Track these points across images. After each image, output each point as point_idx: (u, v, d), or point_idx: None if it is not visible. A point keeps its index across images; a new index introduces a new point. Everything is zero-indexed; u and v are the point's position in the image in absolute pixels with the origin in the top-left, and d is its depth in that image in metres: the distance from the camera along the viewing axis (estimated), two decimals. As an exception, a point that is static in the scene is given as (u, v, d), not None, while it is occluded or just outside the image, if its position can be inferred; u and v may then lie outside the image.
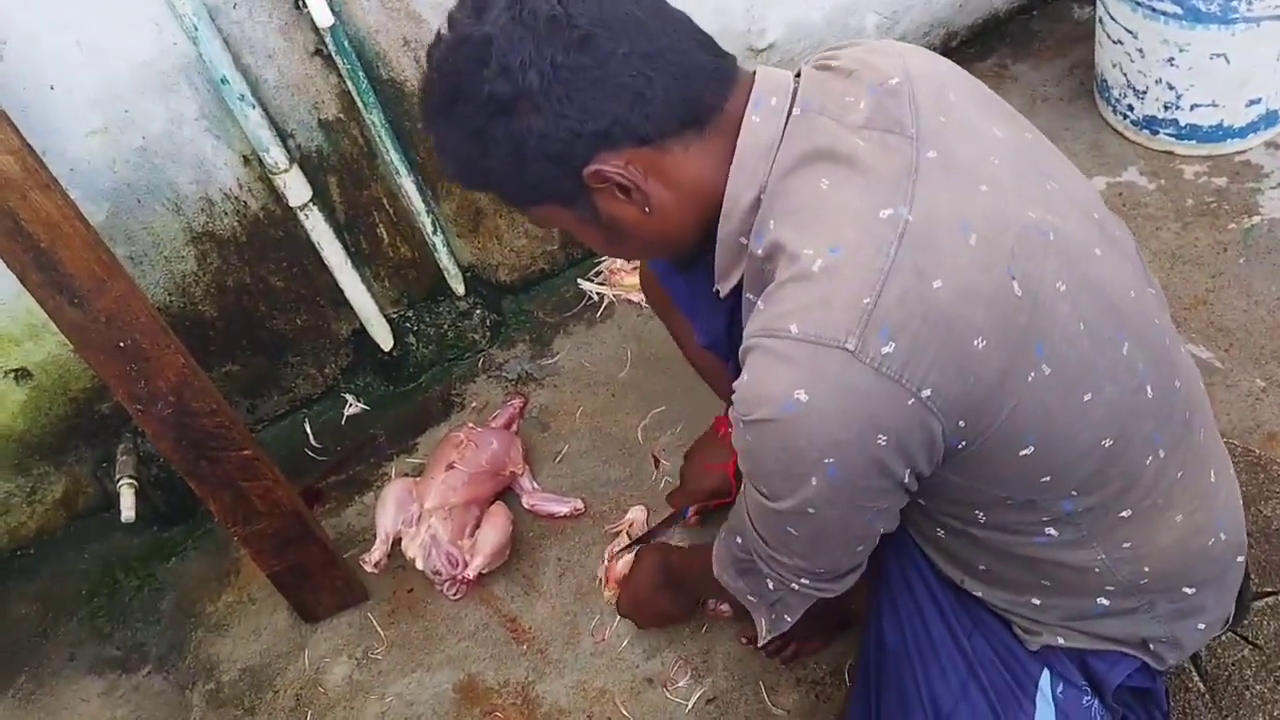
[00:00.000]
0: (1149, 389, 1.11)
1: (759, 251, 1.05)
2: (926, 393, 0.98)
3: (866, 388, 0.97)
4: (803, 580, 1.21)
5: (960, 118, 1.08)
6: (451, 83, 1.03)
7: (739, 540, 1.26)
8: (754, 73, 1.10)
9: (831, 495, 1.04)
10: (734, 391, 1.05)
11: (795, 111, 1.06)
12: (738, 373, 1.53)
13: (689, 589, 1.73)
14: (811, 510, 1.06)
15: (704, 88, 1.05)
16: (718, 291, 1.17)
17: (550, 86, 0.99)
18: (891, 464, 1.02)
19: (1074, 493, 1.12)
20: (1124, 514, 1.16)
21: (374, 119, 2.03)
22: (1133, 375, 1.09)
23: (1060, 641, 1.29)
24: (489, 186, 1.11)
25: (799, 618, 1.32)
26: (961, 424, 1.01)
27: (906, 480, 1.06)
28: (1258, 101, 2.20)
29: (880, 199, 1.00)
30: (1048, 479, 1.10)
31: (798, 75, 1.11)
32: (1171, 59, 2.15)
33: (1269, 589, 1.67)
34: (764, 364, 1.00)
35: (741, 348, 1.05)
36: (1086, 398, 1.06)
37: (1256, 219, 2.18)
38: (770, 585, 1.25)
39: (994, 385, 1.00)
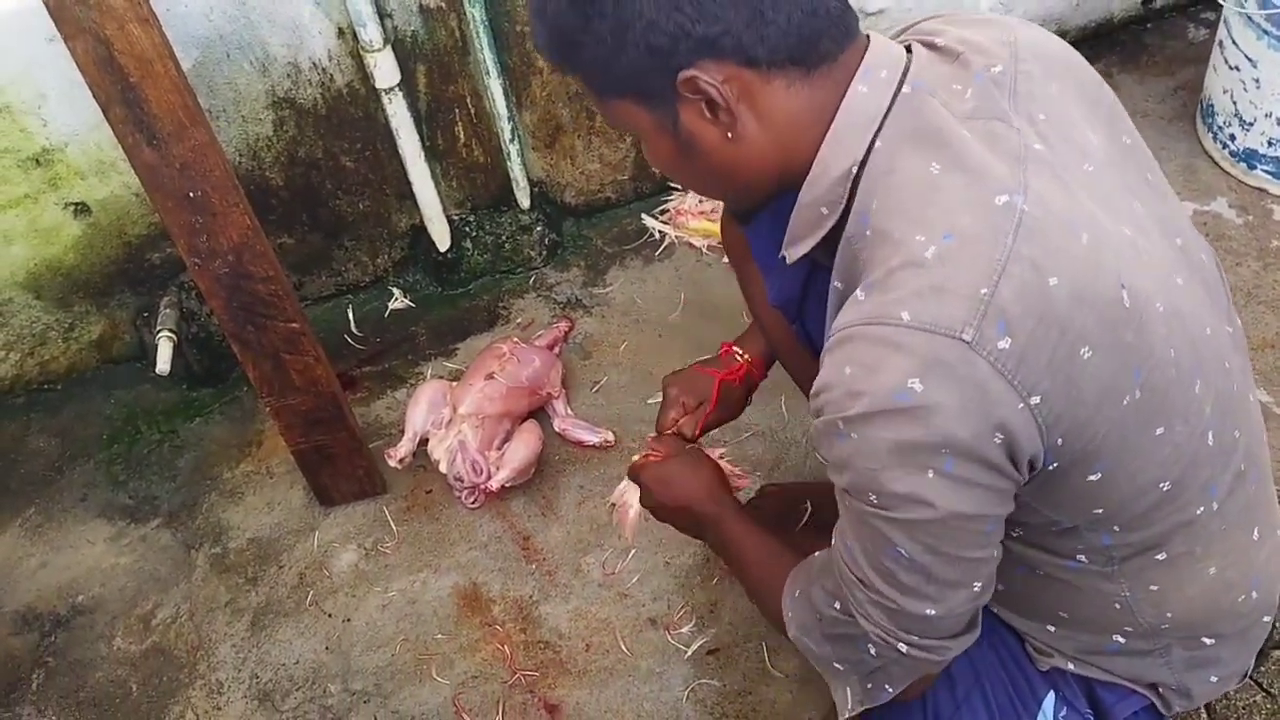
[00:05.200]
0: (1210, 436, 1.06)
1: (866, 232, 0.99)
2: (1035, 400, 0.92)
3: (984, 382, 0.90)
4: (911, 638, 1.07)
5: (1058, 116, 1.04)
6: None
7: (836, 605, 1.12)
8: (868, 37, 1.05)
9: (950, 491, 0.95)
10: (818, 394, 0.97)
11: (905, 89, 1.01)
12: (805, 338, 1.49)
13: (699, 532, 1.48)
14: (929, 516, 0.96)
15: (826, 30, 0.99)
16: (784, 258, 1.11)
17: None
18: (1005, 466, 0.96)
19: (1116, 528, 1.08)
20: (1159, 557, 1.12)
21: (475, 13, 1.99)
22: (1200, 418, 1.05)
23: (1070, 667, 1.26)
24: (578, 65, 1.03)
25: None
26: (1059, 442, 0.96)
27: (1017, 483, 0.99)
28: (1365, 154, 2.15)
29: (994, 185, 0.94)
30: (1100, 511, 1.06)
31: (908, 49, 1.06)
32: (1287, 95, 2.10)
33: (1292, 640, 1.65)
34: (870, 352, 0.93)
35: (833, 338, 0.97)
36: (1159, 432, 1.01)
37: (1340, 272, 2.14)
38: (872, 651, 1.11)
39: (1094, 405, 0.95)
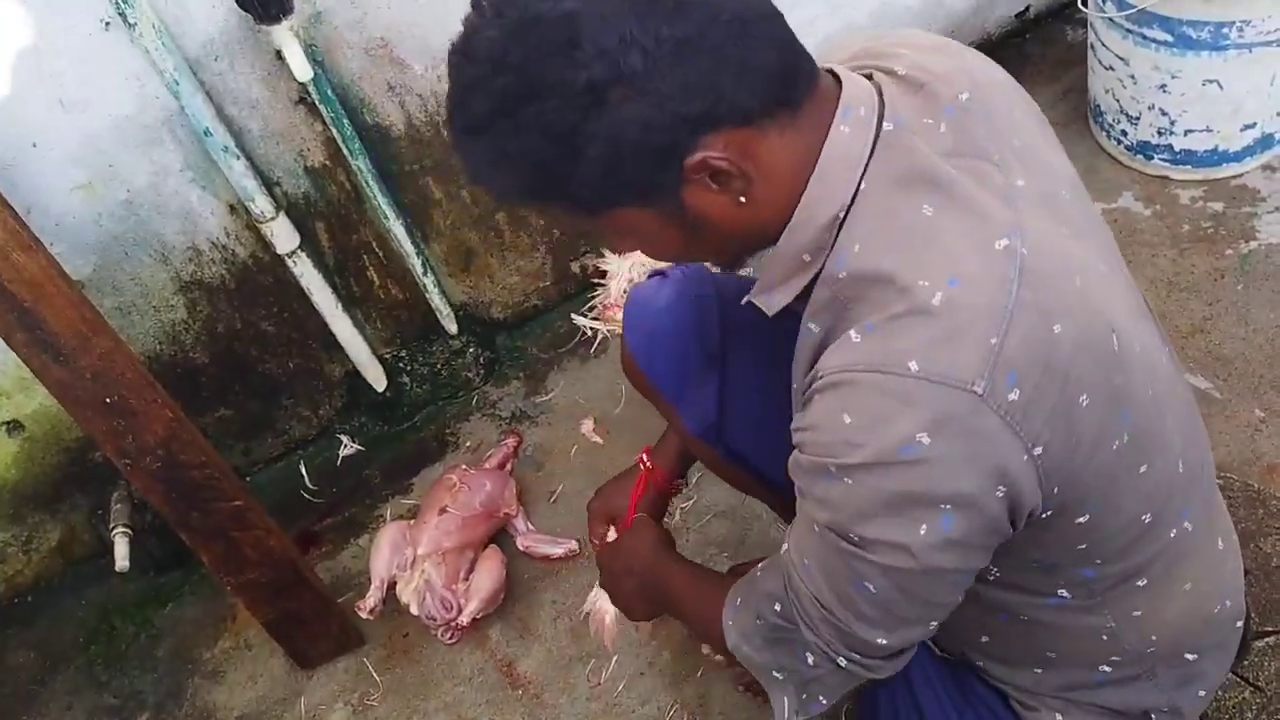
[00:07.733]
0: (1180, 464, 1.06)
1: (841, 275, 0.95)
2: (1038, 450, 0.91)
3: (993, 435, 0.89)
4: (853, 655, 1.06)
5: (1029, 143, 1.01)
6: (523, 76, 0.87)
7: (778, 607, 1.11)
8: (831, 72, 0.99)
9: (939, 546, 0.93)
10: (805, 430, 0.94)
11: (886, 126, 0.96)
12: (731, 457, 1.48)
13: (659, 605, 1.47)
14: (908, 565, 0.94)
15: (799, 65, 0.94)
16: (749, 303, 1.06)
17: (654, 65, 0.86)
18: (1002, 521, 0.94)
19: (1099, 561, 1.07)
20: (1140, 583, 1.11)
21: (360, 164, 2.02)
22: (1172, 449, 1.05)
23: (1058, 718, 1.24)
24: (562, 196, 0.95)
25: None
26: (1055, 490, 0.95)
27: (1006, 537, 0.99)
28: (1252, 126, 2.17)
29: (992, 229, 0.92)
30: (1083, 547, 1.04)
31: (869, 76, 1.01)
32: (1163, 85, 2.14)
33: (1269, 629, 1.64)
34: (875, 403, 0.90)
35: (824, 379, 0.93)
36: (1143, 470, 1.00)
37: (1254, 244, 2.16)
38: (810, 660, 1.10)
39: (1089, 451, 0.94)
